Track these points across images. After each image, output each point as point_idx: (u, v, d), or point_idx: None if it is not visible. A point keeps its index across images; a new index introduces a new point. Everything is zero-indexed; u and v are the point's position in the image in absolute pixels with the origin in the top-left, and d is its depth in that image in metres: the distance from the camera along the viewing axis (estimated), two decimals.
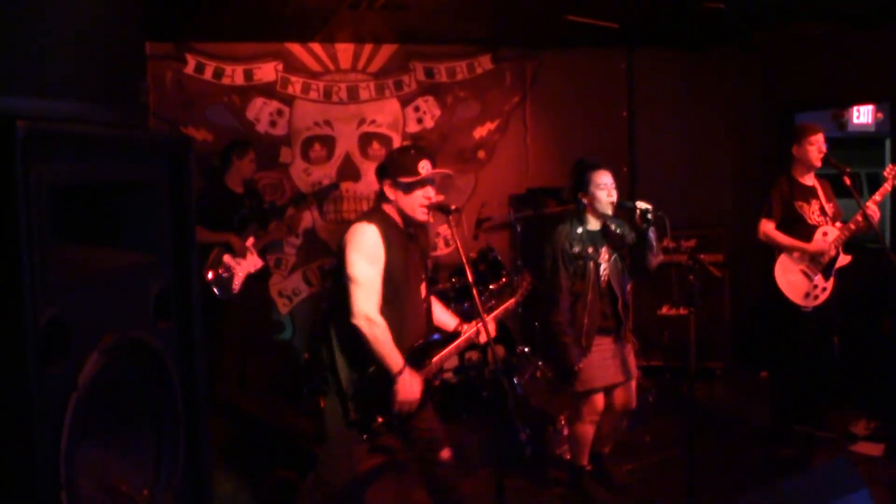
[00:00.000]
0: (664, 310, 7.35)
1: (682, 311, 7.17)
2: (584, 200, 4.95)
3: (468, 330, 4.30)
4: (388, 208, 4.05)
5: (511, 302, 4.59)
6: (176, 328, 2.18)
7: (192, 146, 2.28)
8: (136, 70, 2.22)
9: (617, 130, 8.71)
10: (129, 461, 2.10)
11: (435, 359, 4.09)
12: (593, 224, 5.00)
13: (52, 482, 1.71)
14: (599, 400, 5.03)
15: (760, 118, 8.38)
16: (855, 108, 9.64)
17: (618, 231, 5.02)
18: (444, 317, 4.41)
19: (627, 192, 7.72)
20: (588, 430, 5.12)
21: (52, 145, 1.73)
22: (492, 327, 4.20)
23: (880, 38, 7.04)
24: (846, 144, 10.78)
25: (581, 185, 4.97)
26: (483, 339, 4.16)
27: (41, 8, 1.87)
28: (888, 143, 8.43)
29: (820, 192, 5.86)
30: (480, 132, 8.45)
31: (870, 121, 10.97)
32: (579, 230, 4.95)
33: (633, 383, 5.14)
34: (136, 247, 2.09)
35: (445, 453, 4.15)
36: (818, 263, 5.71)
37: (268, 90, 7.77)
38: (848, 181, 5.59)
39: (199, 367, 2.25)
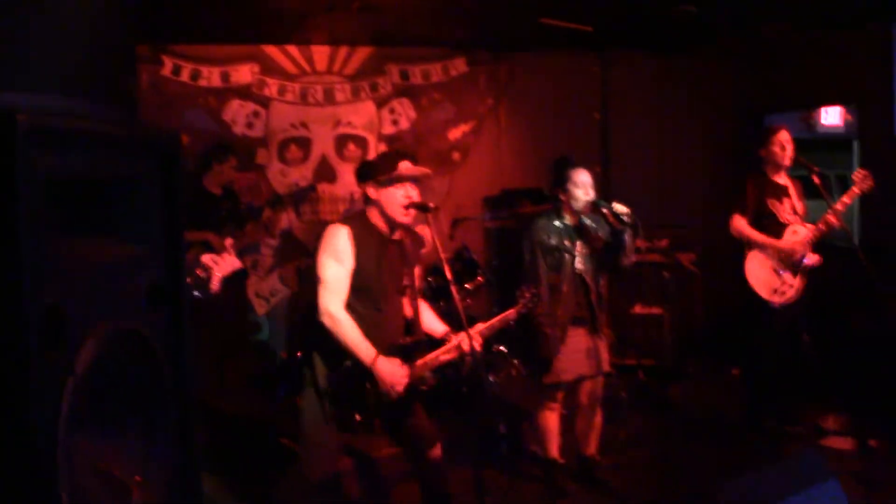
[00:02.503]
0: (637, 308, 7.41)
1: (655, 309, 7.25)
2: (562, 197, 5.03)
3: (455, 339, 4.22)
4: (370, 212, 4.12)
5: (511, 312, 4.62)
6: (166, 319, 2.23)
7: (182, 142, 2.33)
8: (126, 68, 2.27)
9: (590, 132, 8.83)
10: (121, 448, 2.14)
11: (419, 362, 4.10)
12: (569, 220, 5.08)
13: (49, 466, 1.75)
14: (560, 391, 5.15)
15: (731, 119, 8.49)
16: (823, 109, 9.75)
17: (593, 227, 5.10)
18: (434, 324, 4.43)
19: (601, 192, 7.79)
20: (550, 417, 5.19)
21: (50, 140, 1.78)
22: (477, 342, 4.15)
23: (848, 40, 7.17)
24: (815, 146, 10.92)
25: (559, 181, 5.05)
26: (467, 348, 4.09)
27: (35, 6, 1.91)
28: (856, 145, 8.55)
29: (792, 191, 5.96)
30: (455, 134, 8.53)
31: (839, 122, 11.11)
32: (556, 223, 5.03)
33: (601, 378, 5.22)
34: (129, 239, 2.13)
35: (437, 450, 4.21)
36: (787, 261, 5.81)
37: (244, 92, 7.81)
38: (817, 180, 5.69)
39: (188, 357, 2.29)
